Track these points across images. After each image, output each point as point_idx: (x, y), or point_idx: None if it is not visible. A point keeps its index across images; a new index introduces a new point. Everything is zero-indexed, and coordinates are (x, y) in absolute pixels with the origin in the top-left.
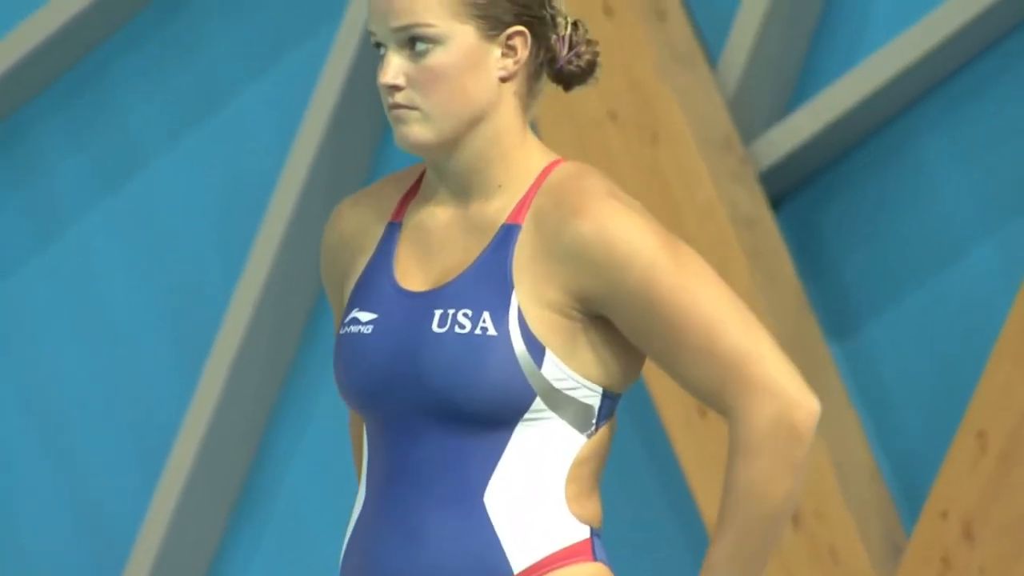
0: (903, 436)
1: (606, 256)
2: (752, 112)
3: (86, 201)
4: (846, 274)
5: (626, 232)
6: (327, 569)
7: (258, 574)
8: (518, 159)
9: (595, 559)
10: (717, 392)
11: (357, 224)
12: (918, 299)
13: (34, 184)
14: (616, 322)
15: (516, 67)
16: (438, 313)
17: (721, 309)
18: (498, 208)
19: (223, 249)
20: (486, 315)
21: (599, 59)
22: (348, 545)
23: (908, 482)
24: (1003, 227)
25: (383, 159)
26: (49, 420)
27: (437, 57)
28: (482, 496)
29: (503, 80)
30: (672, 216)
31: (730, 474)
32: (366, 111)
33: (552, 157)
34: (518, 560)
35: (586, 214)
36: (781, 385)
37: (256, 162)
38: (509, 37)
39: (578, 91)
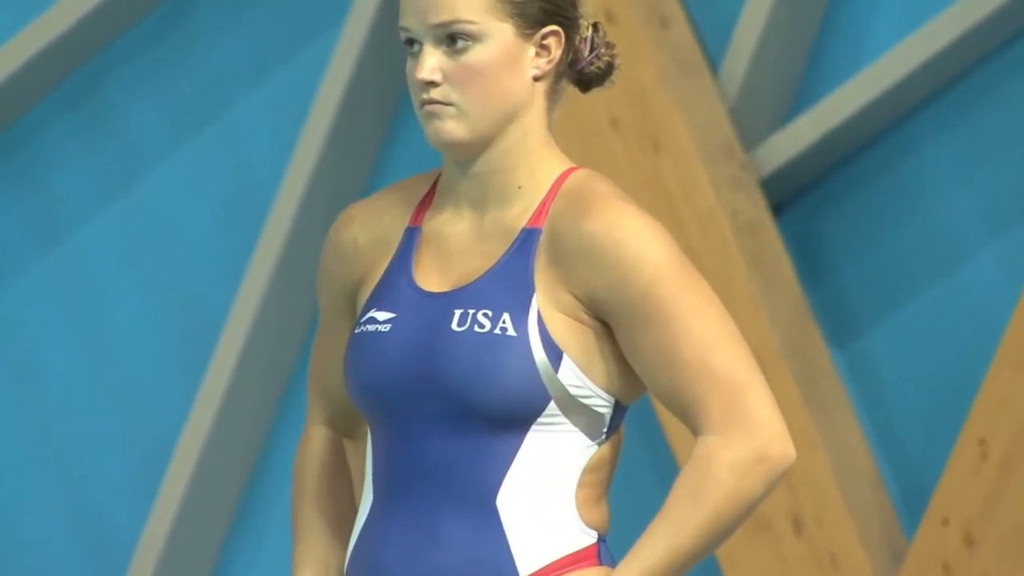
0: (904, 443)
1: (616, 255)
2: (754, 119)
3: (88, 208)
4: (847, 280)
5: (638, 235)
6: None
7: (266, 560)
8: (540, 161)
9: (601, 564)
10: (698, 411)
11: (373, 230)
12: (919, 306)
13: (36, 191)
14: (614, 324)
15: (549, 66)
16: (458, 312)
17: (722, 333)
18: (518, 213)
19: (224, 256)
20: (506, 316)
21: (617, 61)
22: (355, 548)
23: (909, 489)
24: (1004, 235)
25: (384, 167)
26: (49, 427)
27: (477, 54)
28: (495, 499)
29: (535, 79)
30: (673, 223)
31: (685, 481)
32: (367, 119)
33: (568, 164)
34: (525, 564)
35: (599, 214)
36: (765, 425)
37: (257, 170)
38: (543, 36)
39: (580, 98)
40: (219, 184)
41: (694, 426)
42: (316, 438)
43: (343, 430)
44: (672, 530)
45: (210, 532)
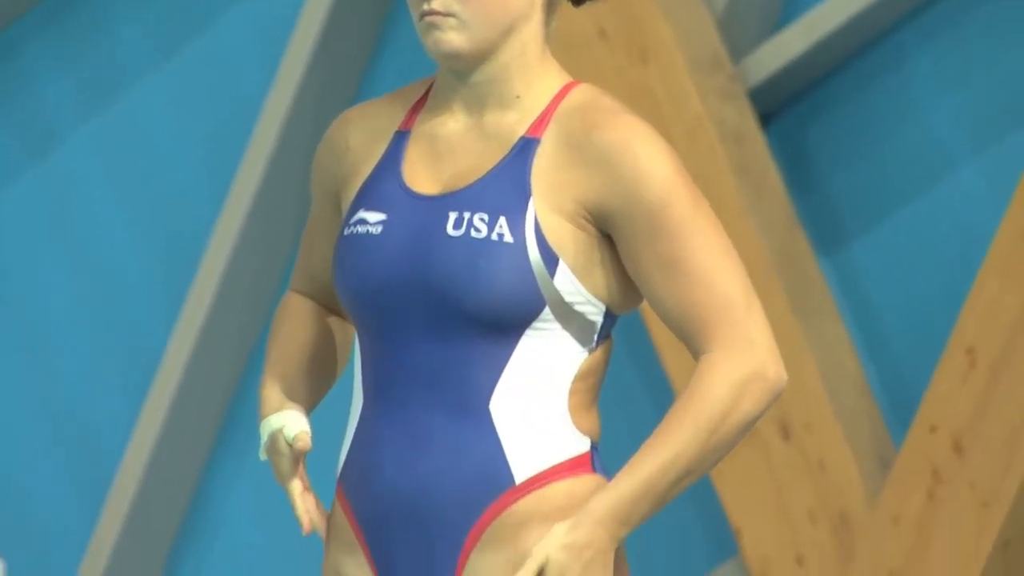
0: (892, 351)
1: (631, 167)
2: (741, 30)
3: (72, 121)
4: (835, 189)
5: (652, 151)
6: (319, 485)
7: (244, 492)
8: (538, 73)
9: (595, 472)
10: (699, 328)
11: (365, 132)
12: (907, 214)
13: (21, 103)
14: (618, 237)
15: None
16: (453, 216)
17: (725, 256)
18: (515, 120)
19: (209, 170)
20: (502, 220)
21: None
22: (348, 453)
23: (897, 397)
24: (991, 144)
25: (370, 82)
26: (33, 339)
27: None
28: (488, 403)
29: None
30: (661, 133)
31: (686, 398)
32: (354, 33)
33: (567, 77)
34: (521, 470)
35: (614, 127)
36: (763, 346)
37: (242, 84)
38: None
39: (569, 9)
40: (204, 98)
41: (693, 342)
42: (298, 297)
43: (327, 310)
44: (670, 444)
45: (195, 445)
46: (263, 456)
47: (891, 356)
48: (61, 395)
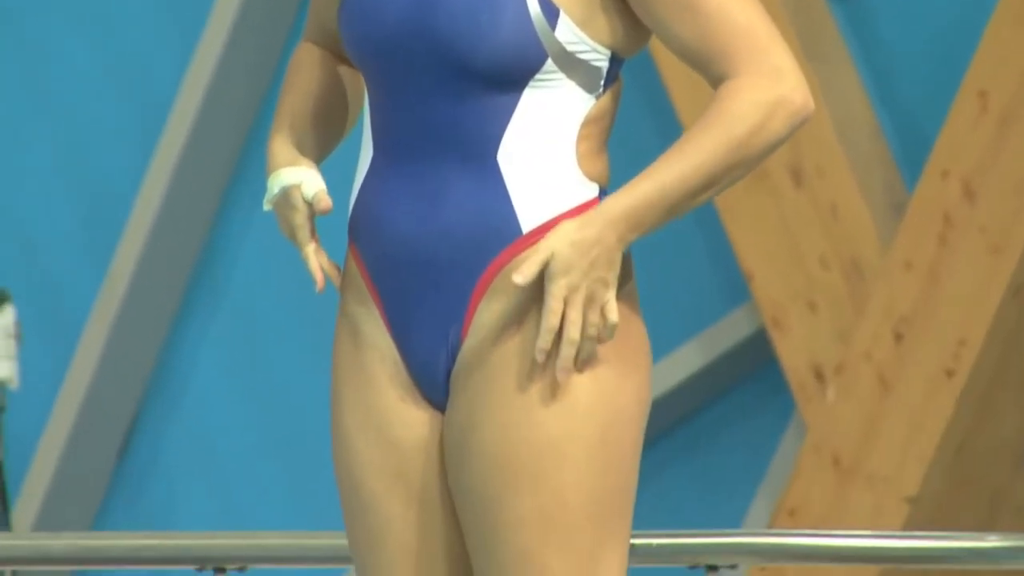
0: (904, 96)
1: None
2: None
3: None
4: None
5: None
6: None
7: (253, 247)
8: None
9: None
10: (724, 59)
11: None
12: None
13: None
14: None
15: None
16: None
17: None
18: None
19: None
20: None
21: None
22: (357, 202)
23: (909, 142)
24: None
25: None
26: (45, 85)
27: None
28: (495, 154)
29: None
30: None
31: (708, 115)
32: None
33: None
34: (528, 219)
35: None
36: (790, 72)
37: None
38: None
39: None
40: None
41: (714, 69)
42: (309, 46)
43: (339, 59)
44: (691, 156)
45: (207, 191)
46: (268, 207)
47: (903, 101)
48: (73, 145)
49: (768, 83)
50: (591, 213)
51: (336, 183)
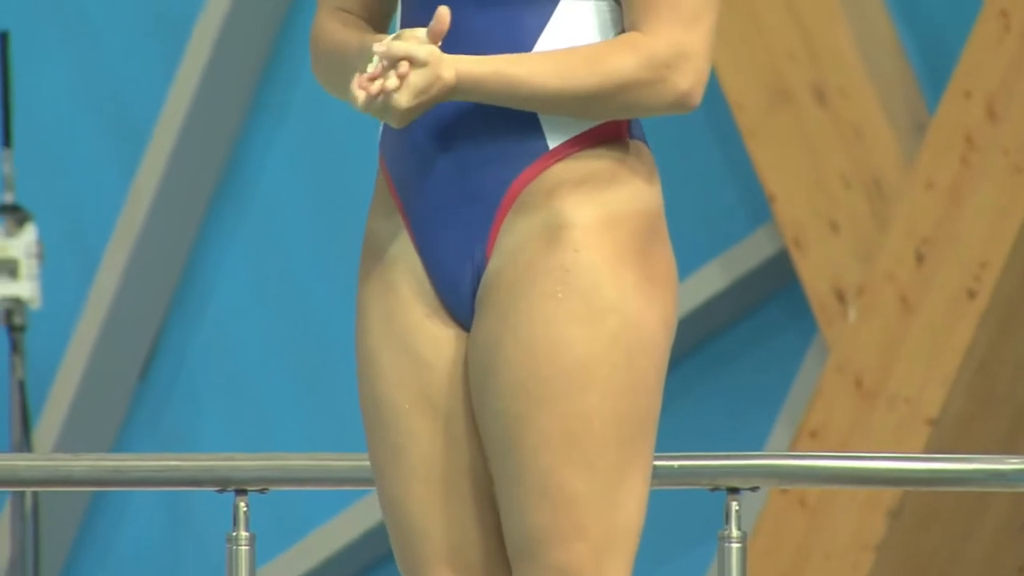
0: (926, 14)
1: None
2: None
3: None
4: None
5: None
6: (346, 145)
7: (279, 159)
8: None
9: (631, 137)
10: (639, 5)
11: None
12: None
13: None
14: None
15: None
16: None
17: None
18: None
19: None
20: None
21: None
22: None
23: (932, 62)
24: None
25: None
26: (70, 5)
27: None
28: None
29: None
30: None
31: (593, 48)
32: None
33: None
34: (554, 136)
35: None
36: (691, 57)
37: None
38: None
39: None
40: None
41: (633, 19)
42: (328, 14)
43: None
44: (556, 74)
45: (231, 110)
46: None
47: (926, 19)
48: (95, 64)
49: (667, 57)
50: (459, 61)
51: (360, 152)
